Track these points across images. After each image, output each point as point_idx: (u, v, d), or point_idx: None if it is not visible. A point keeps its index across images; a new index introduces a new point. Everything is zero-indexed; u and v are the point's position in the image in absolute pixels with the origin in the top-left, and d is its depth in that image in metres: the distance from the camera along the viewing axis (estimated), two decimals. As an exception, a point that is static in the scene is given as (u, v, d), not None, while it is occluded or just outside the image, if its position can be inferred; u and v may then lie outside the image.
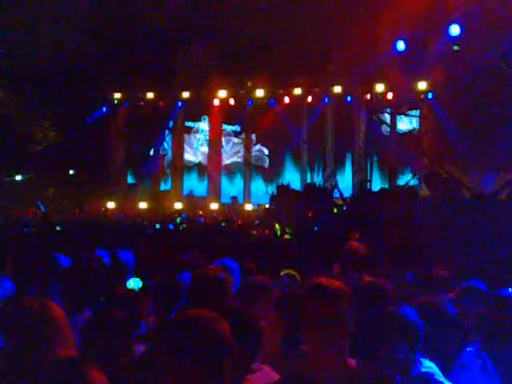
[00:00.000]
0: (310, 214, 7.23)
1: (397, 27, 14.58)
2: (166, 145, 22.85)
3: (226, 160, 22.55)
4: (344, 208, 7.76)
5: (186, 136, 22.58)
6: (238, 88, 20.93)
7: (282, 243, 7.84)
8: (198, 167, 22.71)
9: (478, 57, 13.42)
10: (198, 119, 22.44)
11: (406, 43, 14.78)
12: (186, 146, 22.61)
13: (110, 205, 19.06)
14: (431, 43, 15.81)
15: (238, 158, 22.61)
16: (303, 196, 7.84)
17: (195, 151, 22.72)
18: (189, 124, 22.57)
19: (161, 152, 22.74)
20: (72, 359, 1.81)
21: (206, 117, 22.13)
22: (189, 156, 22.73)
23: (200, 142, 22.57)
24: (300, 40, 18.80)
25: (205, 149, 22.54)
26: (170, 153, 22.78)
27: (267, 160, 22.35)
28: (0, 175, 20.04)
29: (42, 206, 16.67)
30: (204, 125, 22.47)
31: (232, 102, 20.94)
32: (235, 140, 22.63)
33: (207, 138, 22.37)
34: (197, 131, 22.66)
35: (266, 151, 22.44)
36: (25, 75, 18.49)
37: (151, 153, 22.52)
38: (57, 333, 2.04)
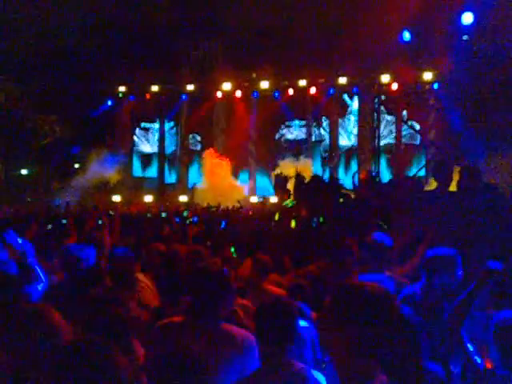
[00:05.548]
0: (303, 213, 7.04)
1: (404, 16, 14.36)
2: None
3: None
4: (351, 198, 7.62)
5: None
6: (242, 80, 20.84)
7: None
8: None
9: (489, 46, 13.20)
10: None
11: (412, 33, 14.56)
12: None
13: (116, 198, 19.06)
14: (440, 32, 15.55)
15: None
16: (306, 188, 7.70)
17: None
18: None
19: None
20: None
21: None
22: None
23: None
24: (305, 31, 18.66)
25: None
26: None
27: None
28: (6, 169, 20.12)
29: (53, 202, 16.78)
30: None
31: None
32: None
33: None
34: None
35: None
36: (31, 70, 18.49)
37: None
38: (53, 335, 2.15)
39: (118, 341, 2.15)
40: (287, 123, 22.76)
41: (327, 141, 22.27)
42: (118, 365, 1.54)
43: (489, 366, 2.48)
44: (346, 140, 22.06)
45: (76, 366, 1.49)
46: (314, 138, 22.43)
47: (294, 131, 22.88)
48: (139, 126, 23.66)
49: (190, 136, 23.46)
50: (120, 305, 2.32)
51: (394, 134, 21.25)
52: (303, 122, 22.61)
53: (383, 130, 21.37)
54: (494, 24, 13.09)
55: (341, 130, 22.17)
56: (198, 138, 23.44)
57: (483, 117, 14.29)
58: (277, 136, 22.83)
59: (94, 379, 1.48)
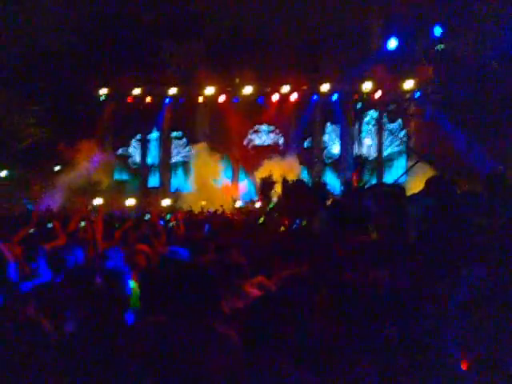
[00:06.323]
0: (286, 222, 7.08)
1: (386, 25, 14.64)
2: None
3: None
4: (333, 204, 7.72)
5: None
6: (225, 85, 20.87)
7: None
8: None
9: (463, 53, 13.54)
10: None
11: (396, 41, 14.85)
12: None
13: (97, 201, 18.88)
14: (418, 42, 15.91)
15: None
16: (291, 192, 7.74)
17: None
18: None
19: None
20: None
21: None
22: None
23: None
24: (289, 37, 18.85)
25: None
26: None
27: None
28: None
29: (28, 205, 16.49)
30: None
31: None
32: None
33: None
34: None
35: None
36: (9, 71, 18.24)
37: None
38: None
39: (114, 336, 2.17)
40: (256, 128, 22.75)
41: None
42: (111, 360, 1.57)
43: (464, 367, 2.54)
44: (339, 147, 22.13)
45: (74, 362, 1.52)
46: (305, 145, 22.58)
47: (263, 136, 22.93)
48: (134, 138, 23.52)
49: (187, 148, 23.32)
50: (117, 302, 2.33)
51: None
52: (272, 128, 22.68)
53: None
54: (463, 33, 13.48)
55: (335, 138, 22.33)
56: (193, 151, 23.21)
57: (470, 121, 14.59)
58: (245, 141, 22.81)
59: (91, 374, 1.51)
